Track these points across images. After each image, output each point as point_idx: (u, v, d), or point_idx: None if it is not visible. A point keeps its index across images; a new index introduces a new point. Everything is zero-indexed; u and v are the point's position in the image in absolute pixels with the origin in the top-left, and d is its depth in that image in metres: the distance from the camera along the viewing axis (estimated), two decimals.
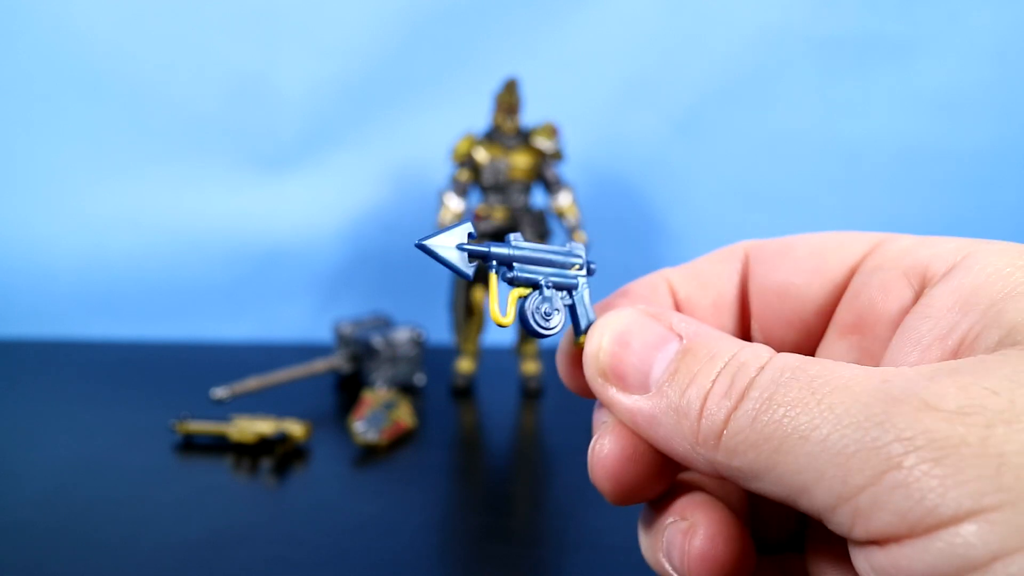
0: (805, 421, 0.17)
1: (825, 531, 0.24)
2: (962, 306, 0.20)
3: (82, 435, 0.68)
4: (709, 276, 0.27)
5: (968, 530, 0.15)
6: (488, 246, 0.25)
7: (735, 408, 0.19)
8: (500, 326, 0.25)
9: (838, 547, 0.22)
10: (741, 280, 0.27)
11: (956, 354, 0.19)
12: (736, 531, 0.23)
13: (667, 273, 0.28)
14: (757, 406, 0.18)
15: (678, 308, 0.27)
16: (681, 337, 0.22)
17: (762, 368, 0.19)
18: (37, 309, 0.99)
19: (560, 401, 0.79)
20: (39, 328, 0.99)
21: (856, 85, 0.98)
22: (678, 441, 0.20)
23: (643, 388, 0.21)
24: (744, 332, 0.27)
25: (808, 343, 0.26)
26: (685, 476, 0.25)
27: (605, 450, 0.23)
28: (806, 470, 0.17)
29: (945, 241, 0.22)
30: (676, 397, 0.20)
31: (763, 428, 0.18)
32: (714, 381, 0.20)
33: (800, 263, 0.25)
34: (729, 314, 0.27)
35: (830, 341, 0.25)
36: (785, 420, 0.18)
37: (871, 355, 0.23)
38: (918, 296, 0.22)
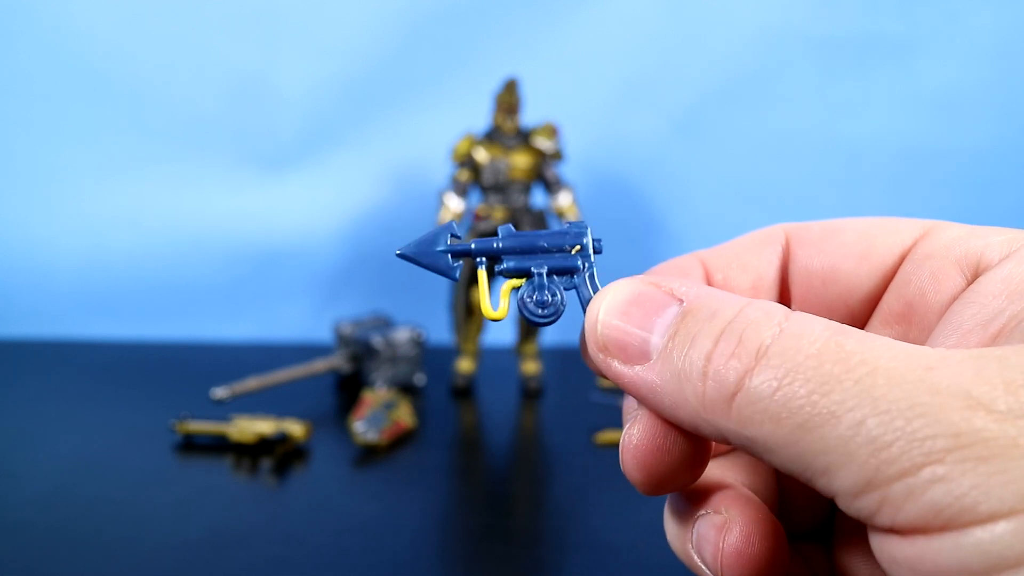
0: (838, 400, 0.16)
1: (855, 522, 0.24)
2: (1009, 294, 0.19)
3: (82, 435, 0.68)
4: (748, 258, 0.26)
5: (1004, 528, 0.15)
6: (472, 243, 0.25)
7: (748, 372, 0.18)
8: (493, 320, 0.25)
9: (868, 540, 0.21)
10: (782, 263, 0.26)
11: (996, 339, 0.19)
12: (771, 528, 0.22)
13: (702, 255, 0.27)
14: (780, 375, 0.17)
15: None
16: (682, 300, 0.21)
17: (780, 333, 0.18)
18: (37, 309, 0.99)
19: (560, 401, 0.79)
20: (39, 328, 0.99)
21: (856, 85, 0.98)
22: (683, 409, 0.19)
23: (644, 357, 0.20)
24: None
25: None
26: (715, 471, 0.25)
27: (634, 440, 0.22)
28: (832, 452, 0.16)
29: (998, 232, 0.22)
30: (677, 360, 0.19)
31: (787, 402, 0.17)
32: (717, 340, 0.19)
33: (847, 247, 0.25)
34: (769, 298, 0.26)
35: (874, 329, 0.24)
36: (815, 396, 0.17)
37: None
38: (969, 286, 0.21)
